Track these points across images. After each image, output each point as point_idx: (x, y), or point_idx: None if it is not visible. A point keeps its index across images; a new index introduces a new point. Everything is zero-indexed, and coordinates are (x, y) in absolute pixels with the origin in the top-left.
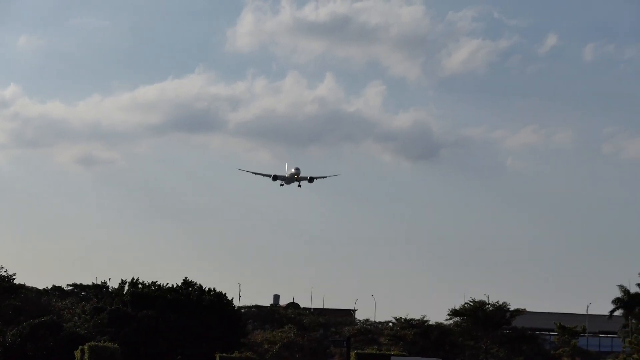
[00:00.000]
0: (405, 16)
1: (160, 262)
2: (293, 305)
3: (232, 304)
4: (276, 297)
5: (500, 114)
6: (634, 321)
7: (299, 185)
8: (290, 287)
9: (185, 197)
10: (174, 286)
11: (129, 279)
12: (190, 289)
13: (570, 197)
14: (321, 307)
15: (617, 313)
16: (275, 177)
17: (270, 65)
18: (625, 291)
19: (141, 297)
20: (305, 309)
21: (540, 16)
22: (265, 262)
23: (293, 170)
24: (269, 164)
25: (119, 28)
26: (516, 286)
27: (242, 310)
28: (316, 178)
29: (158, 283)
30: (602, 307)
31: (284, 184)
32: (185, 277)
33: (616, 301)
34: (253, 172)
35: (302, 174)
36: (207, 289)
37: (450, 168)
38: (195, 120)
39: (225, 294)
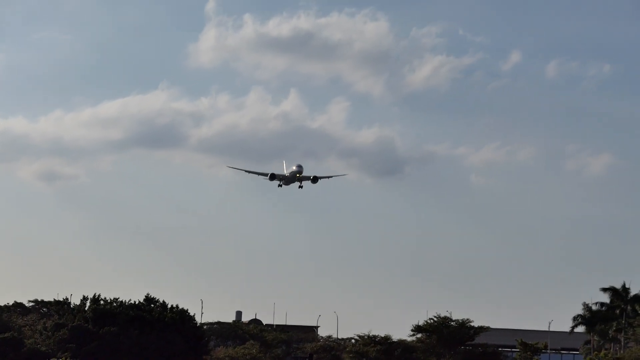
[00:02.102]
0: (369, 32)
1: (122, 278)
2: (255, 322)
3: (195, 320)
4: (238, 314)
5: (464, 130)
6: (596, 338)
7: (300, 186)
8: (252, 303)
9: (148, 213)
10: (136, 303)
11: (90, 296)
12: (152, 305)
13: (534, 214)
14: (284, 323)
15: (579, 330)
16: (273, 177)
17: (234, 81)
18: (587, 308)
19: (103, 313)
20: (267, 325)
21: (505, 33)
22: (227, 278)
23: (294, 168)
24: (232, 180)
25: (82, 43)
26: (479, 303)
27: (205, 327)
28: (320, 178)
29: (120, 299)
30: (564, 323)
31: (283, 185)
32: (148, 294)
33: (577, 318)
34: (246, 171)
35: (304, 173)
36: (169, 306)
37: (414, 184)
38: (157, 136)
39: (187, 310)
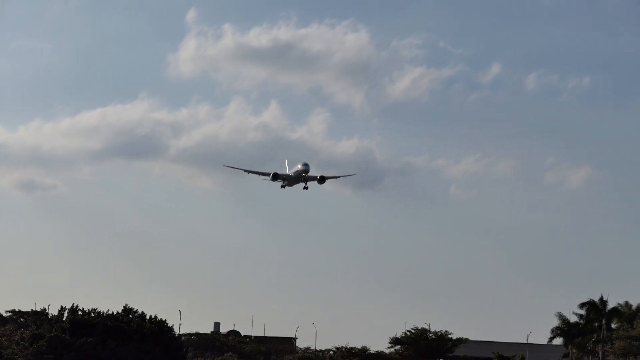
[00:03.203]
0: (350, 43)
1: (100, 288)
2: (234, 333)
3: (173, 331)
4: (217, 325)
5: (444, 142)
6: (574, 350)
7: (306, 187)
8: (231, 315)
9: (127, 223)
10: (114, 313)
11: (68, 306)
12: (130, 316)
13: (513, 226)
14: (262, 335)
15: (557, 342)
16: (275, 177)
17: (214, 91)
18: (565, 320)
19: (81, 324)
20: (246, 336)
21: (485, 45)
22: (206, 289)
23: (300, 167)
24: (211, 190)
25: (62, 52)
26: (458, 315)
27: (183, 338)
28: (328, 178)
29: (98, 310)
30: (543, 336)
31: (286, 186)
32: (126, 305)
33: (555, 330)
34: (245, 170)
35: (310, 173)
36: (147, 316)
37: (394, 196)
38: (136, 147)
39: (165, 321)
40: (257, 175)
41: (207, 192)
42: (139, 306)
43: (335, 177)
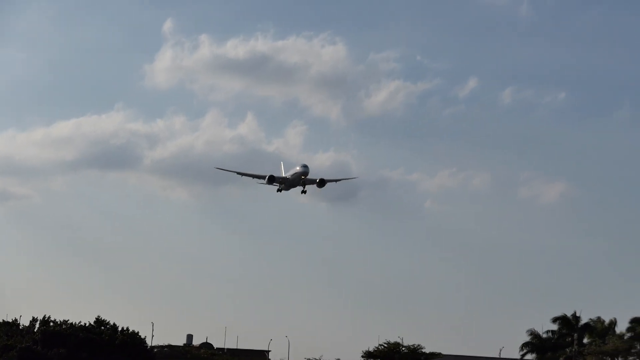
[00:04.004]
0: (326, 56)
1: (73, 299)
2: (206, 345)
3: (145, 343)
4: (189, 337)
5: (419, 156)
6: None
7: (304, 191)
8: (203, 327)
9: (100, 234)
10: (86, 325)
11: (40, 317)
12: (102, 327)
13: (487, 241)
14: (235, 347)
15: (529, 357)
16: (272, 179)
17: (190, 102)
18: (536, 336)
19: (52, 335)
20: (218, 349)
21: (462, 60)
22: (178, 301)
23: (299, 169)
24: (186, 201)
25: (37, 62)
26: (431, 328)
27: (155, 350)
28: (328, 181)
29: (70, 321)
30: (515, 350)
31: (282, 189)
32: (98, 316)
33: (526, 345)
34: (238, 173)
35: (309, 176)
36: (120, 328)
37: (369, 209)
38: (111, 157)
39: (138, 333)
40: (252, 178)
41: (182, 203)
42: (111, 318)
43: (336, 181)
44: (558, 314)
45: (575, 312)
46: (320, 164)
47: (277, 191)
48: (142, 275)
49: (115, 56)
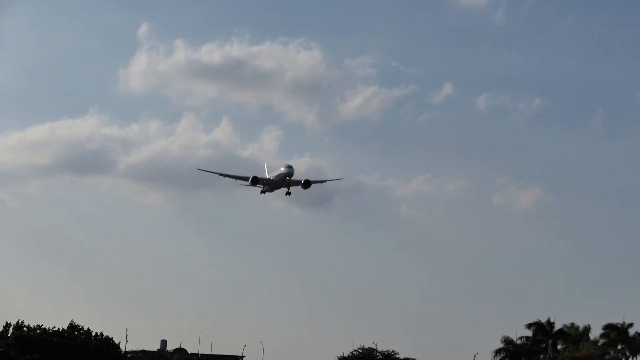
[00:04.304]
0: (302, 61)
1: (47, 304)
2: (180, 351)
3: (119, 348)
4: (163, 342)
5: (394, 161)
6: None
7: (288, 192)
8: (177, 332)
9: (74, 239)
10: (60, 330)
11: (13, 322)
12: (76, 332)
13: (461, 246)
14: (209, 352)
15: None
16: (255, 181)
17: (165, 107)
18: (510, 342)
19: (26, 340)
20: (192, 354)
21: (437, 66)
22: (153, 306)
23: (283, 170)
24: (160, 206)
25: (12, 66)
26: (405, 334)
27: (129, 355)
28: (313, 182)
29: (44, 327)
30: (490, 356)
31: (266, 191)
32: (72, 321)
33: (500, 351)
34: (220, 174)
35: (294, 177)
36: (93, 333)
37: (344, 215)
38: (86, 162)
39: (112, 338)
40: (235, 179)
41: (156, 208)
42: (85, 323)
43: (321, 182)
44: (532, 320)
45: (549, 319)
46: (295, 169)
47: (261, 193)
48: (117, 280)
49: (90, 60)
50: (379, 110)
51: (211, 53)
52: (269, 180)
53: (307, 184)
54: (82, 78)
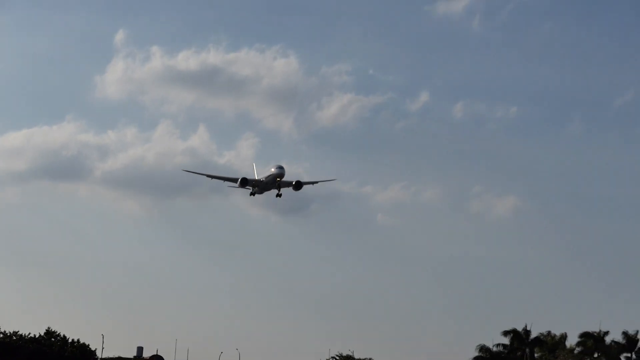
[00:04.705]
0: (278, 69)
1: (23, 311)
2: (157, 358)
3: (95, 355)
4: (139, 349)
5: (371, 169)
6: None
7: (279, 194)
8: (154, 339)
9: (51, 245)
10: (37, 336)
11: None
12: (53, 339)
13: (438, 254)
14: (185, 359)
15: None
16: (244, 182)
17: (142, 114)
18: (486, 350)
19: (2, 347)
20: None
21: (414, 74)
22: (129, 313)
23: (274, 171)
24: (137, 213)
25: None
26: (382, 342)
27: None
28: (305, 183)
29: (20, 333)
30: None
31: (256, 193)
32: (49, 328)
33: (476, 359)
34: (208, 176)
35: (285, 178)
36: (70, 340)
37: (320, 222)
38: (61, 168)
39: (88, 345)
40: (223, 181)
41: (132, 215)
42: (61, 329)
43: (313, 183)
44: (509, 327)
45: (526, 326)
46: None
47: (250, 195)
48: (93, 286)
49: (66, 67)
50: (356, 117)
51: (188, 60)
52: (258, 181)
53: (298, 185)
54: (58, 84)
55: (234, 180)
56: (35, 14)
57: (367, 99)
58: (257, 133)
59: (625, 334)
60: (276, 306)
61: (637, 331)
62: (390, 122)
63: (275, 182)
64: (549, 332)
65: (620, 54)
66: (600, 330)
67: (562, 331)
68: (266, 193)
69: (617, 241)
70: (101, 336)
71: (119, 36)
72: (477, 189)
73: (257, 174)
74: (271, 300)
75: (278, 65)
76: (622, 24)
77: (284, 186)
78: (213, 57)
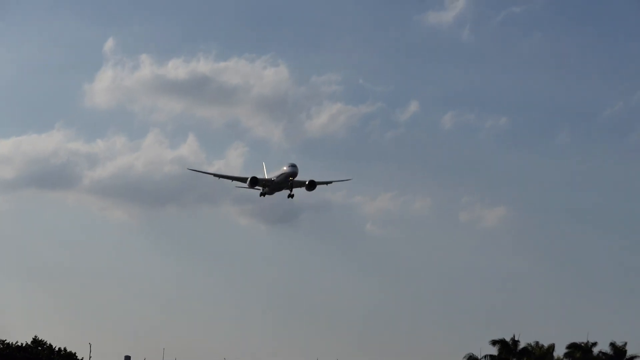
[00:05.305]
0: (268, 78)
1: (10, 319)
2: None
3: None
4: (127, 358)
5: (360, 179)
6: None
7: (291, 195)
8: (141, 348)
9: (38, 253)
10: (23, 345)
11: None
12: (40, 348)
13: (427, 264)
14: None
15: None
16: (254, 182)
17: (131, 122)
18: (474, 359)
19: None
20: None
21: (404, 83)
22: (116, 322)
23: (286, 170)
24: (125, 222)
25: None
26: (370, 353)
27: None
28: (319, 183)
29: (7, 341)
30: None
31: (266, 194)
32: (35, 336)
33: None
34: (214, 175)
35: (297, 177)
36: (57, 348)
37: (309, 232)
38: (50, 177)
39: (75, 353)
40: (230, 181)
41: (121, 224)
42: (48, 338)
43: (327, 183)
44: (497, 337)
45: (514, 336)
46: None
47: (260, 196)
48: (80, 295)
49: (55, 75)
50: (346, 127)
51: (177, 69)
52: (269, 181)
53: (312, 185)
54: (47, 93)
55: (243, 179)
56: (24, 22)
57: (356, 109)
58: (247, 142)
59: (612, 345)
60: (264, 315)
61: (625, 342)
62: (380, 132)
63: (287, 181)
64: (537, 343)
65: (609, 65)
66: (588, 341)
67: (550, 342)
68: (277, 194)
69: (605, 252)
70: (88, 345)
71: (109, 44)
72: (466, 199)
73: (267, 174)
74: (259, 310)
75: (268, 75)
76: (611, 35)
77: (297, 186)
78: (203, 65)
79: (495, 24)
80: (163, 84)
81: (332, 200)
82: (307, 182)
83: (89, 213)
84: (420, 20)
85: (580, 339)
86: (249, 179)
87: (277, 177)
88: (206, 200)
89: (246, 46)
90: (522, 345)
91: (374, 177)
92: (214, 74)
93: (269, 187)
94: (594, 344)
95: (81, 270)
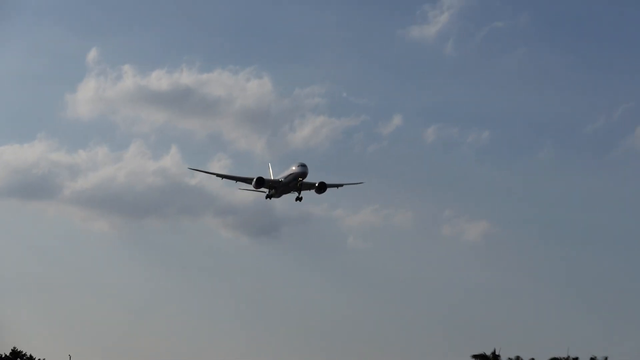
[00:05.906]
0: (251, 90)
1: None
2: None
3: None
4: None
5: (342, 192)
6: None
7: (299, 198)
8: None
9: (19, 264)
10: (3, 356)
11: None
12: (19, 359)
13: (408, 278)
14: None
15: None
16: (260, 182)
17: (113, 134)
18: None
19: None
20: None
21: (387, 97)
22: (96, 333)
23: (295, 169)
24: (107, 233)
25: None
26: None
27: None
28: (330, 186)
29: None
30: None
31: (272, 196)
32: (14, 347)
33: None
34: (219, 175)
35: (307, 179)
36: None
37: (291, 245)
38: (31, 187)
39: None
40: (235, 181)
41: (102, 235)
42: (27, 349)
43: (338, 186)
44: (478, 352)
45: (494, 351)
46: (243, 198)
47: (267, 198)
48: (60, 306)
49: (37, 85)
50: (328, 140)
51: (160, 80)
52: (276, 182)
53: (322, 188)
54: (29, 103)
55: (248, 180)
56: (6, 31)
57: (339, 122)
58: (230, 154)
59: (593, 359)
60: (246, 329)
61: (606, 357)
62: (363, 145)
63: (296, 182)
64: (518, 357)
65: (592, 80)
66: (568, 356)
67: (531, 356)
68: (284, 196)
69: (586, 267)
70: (68, 356)
71: (91, 55)
72: (448, 213)
73: (273, 175)
74: (240, 322)
75: (251, 87)
76: (593, 51)
77: (306, 188)
78: (186, 77)
79: (479, 39)
80: (146, 95)
81: (314, 213)
82: (317, 184)
83: (70, 224)
84: (403, 35)
85: (561, 353)
86: (254, 180)
87: (286, 177)
88: (188, 212)
89: (230, 58)
90: (503, 359)
91: (356, 191)
92: (197, 86)
93: (276, 188)
94: (575, 358)
95: (61, 281)
